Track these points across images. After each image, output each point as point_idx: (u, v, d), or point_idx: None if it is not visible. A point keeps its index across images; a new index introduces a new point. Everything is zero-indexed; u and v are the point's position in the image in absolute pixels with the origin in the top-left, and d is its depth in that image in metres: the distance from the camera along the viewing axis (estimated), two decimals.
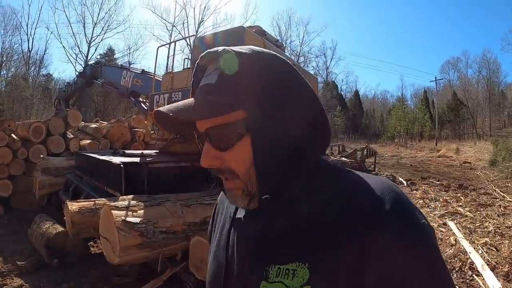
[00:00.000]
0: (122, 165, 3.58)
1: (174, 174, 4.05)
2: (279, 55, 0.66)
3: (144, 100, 7.21)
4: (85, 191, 4.29)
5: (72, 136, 7.55)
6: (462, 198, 7.92)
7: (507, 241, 4.65)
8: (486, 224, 5.60)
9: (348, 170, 0.67)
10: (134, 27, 74.88)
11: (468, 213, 6.33)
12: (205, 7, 39.47)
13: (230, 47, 0.63)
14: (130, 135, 8.19)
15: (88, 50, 34.33)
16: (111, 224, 2.64)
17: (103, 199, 3.31)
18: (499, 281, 3.51)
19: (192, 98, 0.65)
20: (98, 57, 34.32)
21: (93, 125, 8.18)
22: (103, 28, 34.97)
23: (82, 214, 3.07)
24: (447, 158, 20.95)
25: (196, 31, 34.55)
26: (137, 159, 4.02)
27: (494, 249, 4.44)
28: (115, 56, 35.73)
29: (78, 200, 3.34)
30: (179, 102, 0.62)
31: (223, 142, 0.63)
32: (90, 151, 5.72)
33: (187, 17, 36.56)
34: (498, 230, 5.19)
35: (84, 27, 35.06)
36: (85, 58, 34.36)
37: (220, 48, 0.64)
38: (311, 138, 0.66)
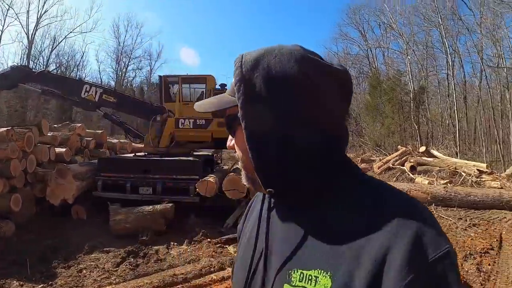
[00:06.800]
0: (198, 159, 6.51)
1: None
2: (292, 52, 0.67)
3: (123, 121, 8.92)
4: (156, 182, 6.32)
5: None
6: None
7: None
8: None
9: (377, 179, 0.70)
10: None
11: None
12: None
13: (246, 53, 0.71)
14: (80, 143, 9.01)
15: None
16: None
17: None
18: None
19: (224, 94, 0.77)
20: None
21: (48, 134, 8.22)
22: None
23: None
24: None
25: (38, 19, 29.76)
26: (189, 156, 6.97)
27: None
28: None
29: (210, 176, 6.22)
30: (217, 96, 0.79)
31: (229, 129, 0.75)
32: (127, 156, 7.83)
33: (29, 4, 30.20)
34: None
35: None
36: None
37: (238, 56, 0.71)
38: (324, 139, 0.67)
